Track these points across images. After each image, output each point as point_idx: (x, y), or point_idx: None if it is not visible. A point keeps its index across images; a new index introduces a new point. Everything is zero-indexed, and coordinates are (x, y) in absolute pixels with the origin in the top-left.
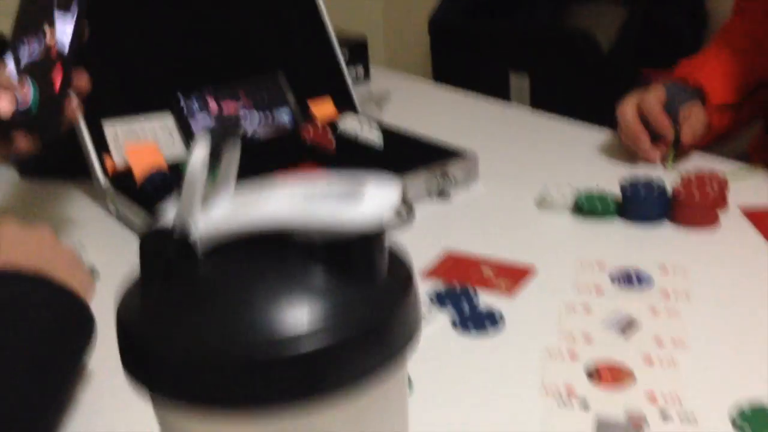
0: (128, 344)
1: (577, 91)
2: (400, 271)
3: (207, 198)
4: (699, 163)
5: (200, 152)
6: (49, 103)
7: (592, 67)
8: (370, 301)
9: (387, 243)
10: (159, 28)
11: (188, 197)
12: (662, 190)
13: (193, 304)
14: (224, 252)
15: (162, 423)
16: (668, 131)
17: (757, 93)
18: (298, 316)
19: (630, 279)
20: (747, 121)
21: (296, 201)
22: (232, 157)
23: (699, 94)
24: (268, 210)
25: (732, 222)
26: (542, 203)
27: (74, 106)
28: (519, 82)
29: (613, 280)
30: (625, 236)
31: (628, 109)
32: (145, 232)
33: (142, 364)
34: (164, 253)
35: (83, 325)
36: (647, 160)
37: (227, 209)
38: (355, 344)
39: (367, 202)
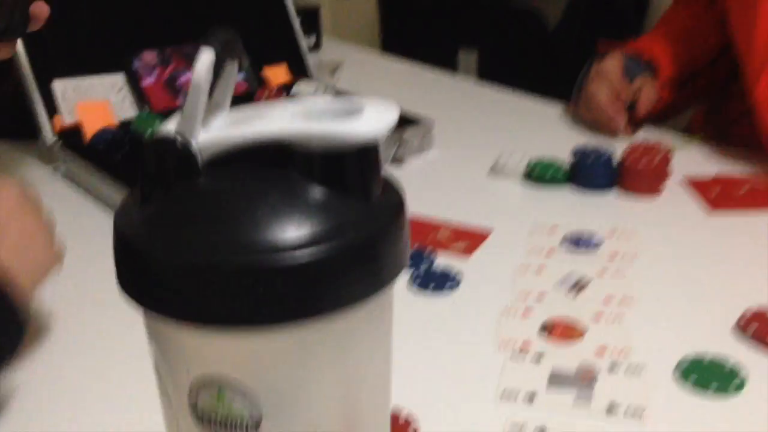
0: (126, 256)
1: (523, 67)
2: (393, 195)
3: (206, 112)
4: (646, 134)
5: (205, 60)
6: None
7: (538, 44)
8: (366, 217)
9: (382, 162)
10: None
11: (191, 107)
12: (610, 158)
13: (192, 215)
14: (223, 165)
15: (155, 338)
16: (628, 96)
17: (697, 79)
18: (295, 228)
19: (579, 242)
20: (688, 103)
21: (296, 115)
22: (232, 72)
23: (651, 68)
24: (267, 123)
25: (675, 189)
26: (496, 170)
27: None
28: (467, 57)
29: (563, 242)
30: (575, 202)
31: (600, 88)
32: (148, 140)
33: (140, 276)
34: (166, 163)
35: (5, 327)
36: (617, 132)
37: (226, 123)
38: (350, 259)
39: (365, 118)
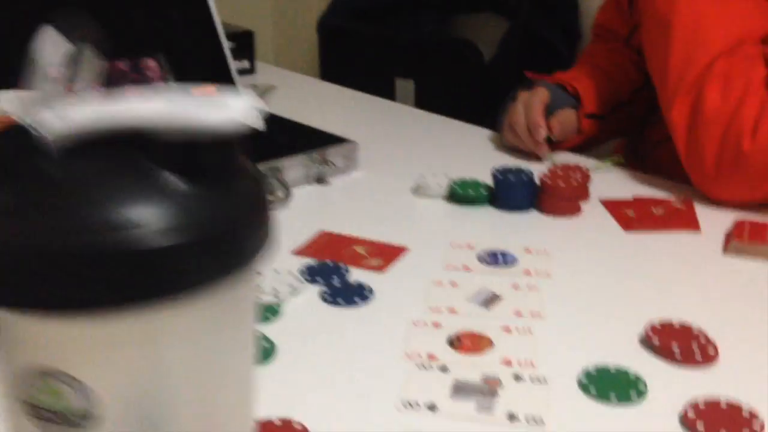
0: None
1: (459, 97)
2: (250, 184)
3: (61, 97)
4: (566, 157)
5: (44, 37)
6: None
7: (474, 75)
8: (215, 204)
9: (242, 153)
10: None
11: (35, 88)
12: (530, 179)
13: (34, 201)
14: (75, 151)
15: None
16: (540, 130)
17: (619, 111)
18: (146, 213)
19: (496, 259)
20: (611, 135)
21: (157, 103)
22: (89, 59)
23: (575, 100)
24: (127, 109)
25: (592, 211)
26: (418, 190)
27: None
28: (404, 87)
29: (480, 259)
30: (495, 222)
31: (519, 109)
32: None
33: None
34: (8, 147)
35: None
36: (536, 152)
37: (84, 108)
38: (201, 246)
39: (226, 107)
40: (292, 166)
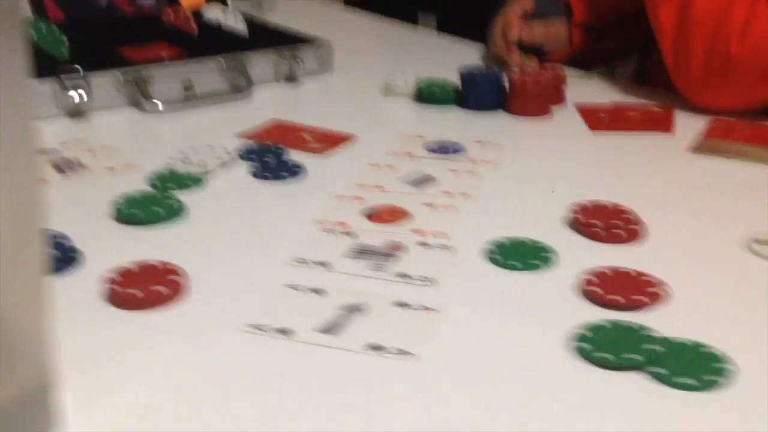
0: None
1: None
2: None
3: None
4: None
5: None
6: None
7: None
8: None
9: None
10: None
11: None
12: (498, 78)
13: None
14: None
15: None
16: (512, 30)
17: (623, 26)
18: None
19: (445, 149)
20: (613, 53)
21: None
22: None
23: (566, 11)
24: None
25: (564, 114)
26: (386, 90)
27: None
28: (426, 22)
29: (427, 149)
30: (458, 121)
31: (498, 27)
32: None
33: None
34: None
35: None
36: (507, 58)
37: None
38: None
39: None
40: (261, 62)
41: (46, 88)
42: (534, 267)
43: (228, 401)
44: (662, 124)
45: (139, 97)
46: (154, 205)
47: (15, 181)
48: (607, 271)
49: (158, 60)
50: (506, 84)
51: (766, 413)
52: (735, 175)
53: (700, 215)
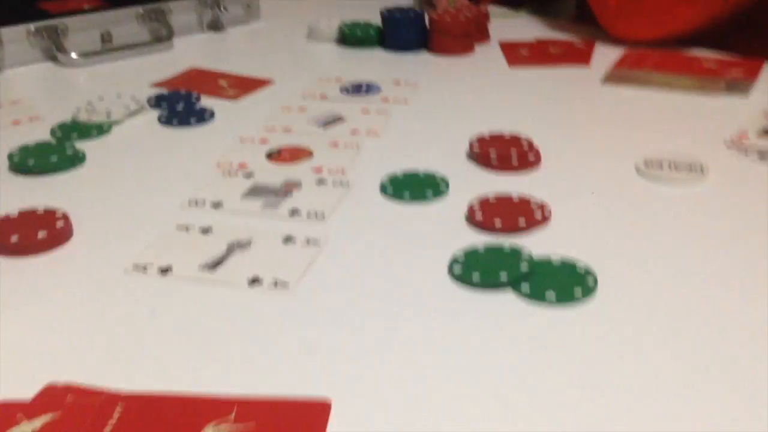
0: None
1: None
2: None
3: None
4: None
5: None
6: None
7: None
8: None
9: None
10: None
11: None
12: (419, 16)
13: None
14: None
15: None
16: None
17: None
18: None
19: (359, 89)
20: None
21: None
22: None
23: None
24: None
25: (486, 51)
26: (311, 35)
27: None
28: None
29: (342, 90)
30: (381, 62)
31: None
32: None
33: None
34: None
35: None
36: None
37: None
38: None
39: None
40: (183, 11)
41: None
42: (424, 197)
43: (97, 338)
44: (581, 57)
45: (53, 49)
46: (50, 154)
47: None
48: (491, 197)
49: (76, 11)
50: (428, 24)
51: (625, 324)
52: (639, 102)
53: (597, 143)
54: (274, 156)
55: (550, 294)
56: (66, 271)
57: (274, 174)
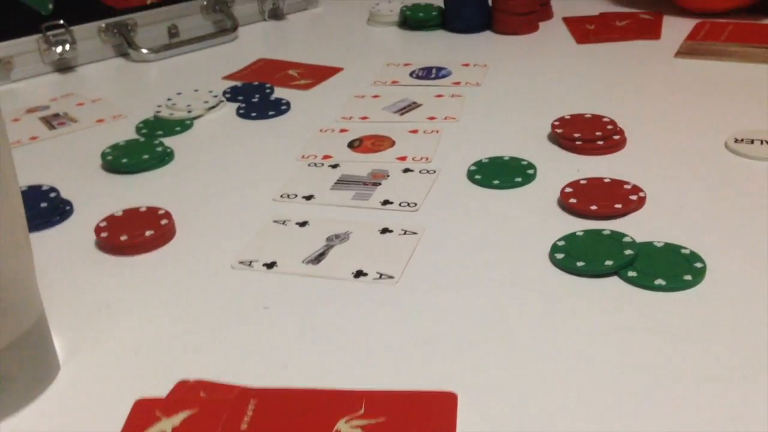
0: None
1: None
2: None
3: None
4: None
5: None
6: None
7: None
8: None
9: None
10: None
11: None
12: None
13: None
14: None
15: None
16: None
17: None
18: None
19: (429, 73)
20: None
21: None
22: None
23: None
24: None
25: (550, 28)
26: (372, 18)
27: None
28: None
29: (412, 75)
30: (445, 44)
31: None
32: None
33: None
34: None
35: None
36: None
37: None
38: None
39: None
40: (244, 0)
41: (31, 45)
42: (514, 184)
43: (218, 334)
44: (650, 32)
45: (125, 45)
46: (141, 152)
47: None
48: (583, 181)
49: (142, 6)
50: (491, 3)
51: (734, 308)
52: (719, 76)
53: (681, 120)
54: (357, 146)
55: (660, 280)
56: (175, 269)
57: (360, 164)
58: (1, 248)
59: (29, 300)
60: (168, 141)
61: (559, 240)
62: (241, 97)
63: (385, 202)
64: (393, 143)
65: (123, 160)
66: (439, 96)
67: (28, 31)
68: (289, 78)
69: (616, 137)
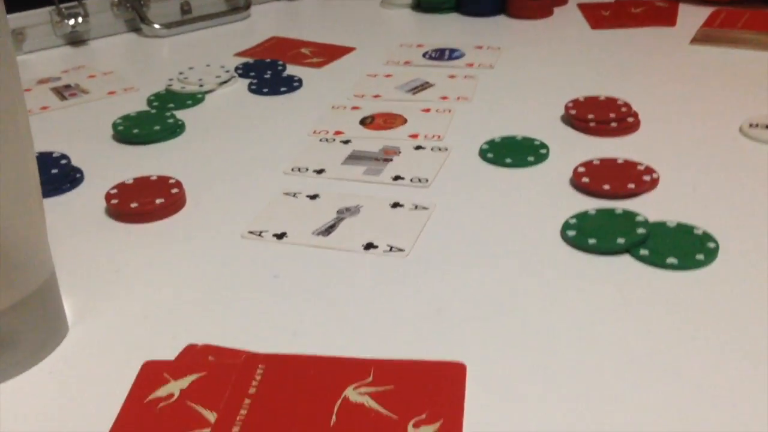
0: None
1: None
2: None
3: None
4: None
5: None
6: None
7: None
8: None
9: None
10: None
11: None
12: None
13: None
14: None
15: None
16: None
17: None
18: None
19: (443, 54)
20: None
21: None
22: None
23: None
24: None
25: (565, 13)
26: (386, 1)
27: None
28: None
29: (425, 56)
30: (459, 27)
31: None
32: None
33: None
34: None
35: None
36: None
37: None
38: None
39: None
40: None
41: (44, 17)
42: (526, 163)
43: (227, 301)
44: (665, 18)
45: (137, 20)
46: (152, 123)
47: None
48: (596, 161)
49: None
50: None
51: (746, 288)
52: (734, 63)
53: (695, 104)
54: (368, 122)
55: (672, 259)
56: (186, 237)
57: (371, 140)
58: (14, 205)
59: (40, 259)
60: (179, 114)
61: (571, 218)
62: (253, 73)
63: (396, 178)
64: (405, 121)
65: (134, 131)
66: (452, 77)
67: (40, 3)
68: (301, 56)
69: (630, 119)
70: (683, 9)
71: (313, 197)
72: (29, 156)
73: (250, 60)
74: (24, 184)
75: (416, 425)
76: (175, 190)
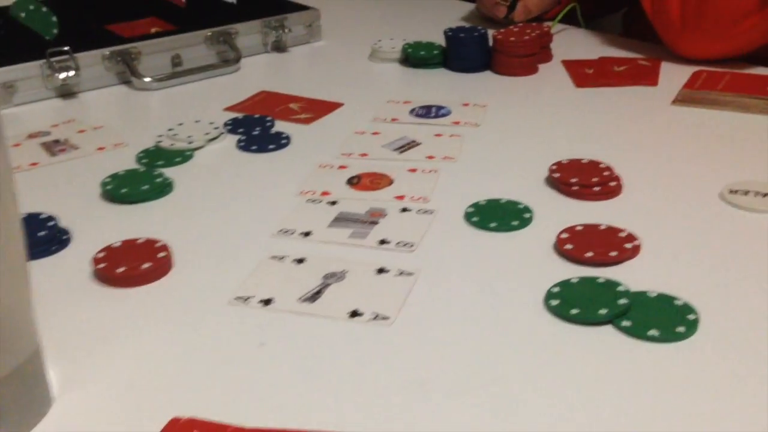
0: None
1: None
2: None
3: None
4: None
5: None
6: None
7: None
8: None
9: None
10: None
11: None
12: (483, 36)
13: None
14: None
15: None
16: None
17: None
18: None
19: (429, 112)
20: (605, 8)
21: None
22: None
23: None
24: None
25: (550, 70)
26: (374, 55)
27: None
28: None
29: (412, 113)
30: (445, 83)
31: None
32: None
33: None
34: None
35: None
36: (493, 13)
37: None
38: None
39: None
40: (248, 32)
41: (35, 70)
42: (511, 227)
43: (213, 371)
44: (648, 78)
45: (128, 73)
46: (141, 182)
47: None
48: (579, 227)
49: (146, 35)
50: (492, 44)
51: (725, 361)
52: (714, 125)
53: (677, 167)
54: (355, 183)
55: (653, 331)
56: (171, 302)
57: (358, 202)
58: (1, 277)
59: (26, 333)
60: (168, 171)
61: (554, 286)
62: (242, 130)
63: (382, 242)
64: (391, 181)
65: (122, 190)
66: (438, 135)
67: (32, 57)
68: (290, 111)
69: (613, 183)
70: (665, 68)
71: (300, 261)
72: (14, 226)
73: (239, 115)
74: (9, 257)
75: None
76: (162, 254)
